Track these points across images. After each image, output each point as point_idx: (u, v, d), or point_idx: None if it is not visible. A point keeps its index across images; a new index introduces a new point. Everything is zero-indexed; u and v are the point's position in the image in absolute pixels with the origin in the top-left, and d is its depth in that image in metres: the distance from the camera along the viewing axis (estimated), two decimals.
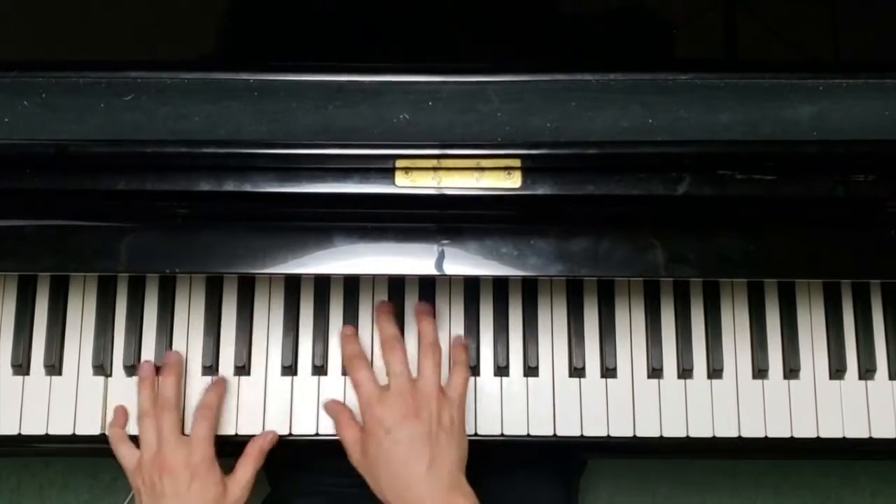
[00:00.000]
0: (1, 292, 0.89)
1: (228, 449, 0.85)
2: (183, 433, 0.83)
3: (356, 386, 0.80)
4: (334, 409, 0.84)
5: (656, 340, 0.88)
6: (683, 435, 0.87)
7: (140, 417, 0.83)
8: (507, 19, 0.79)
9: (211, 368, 0.87)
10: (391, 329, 0.82)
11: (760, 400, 0.87)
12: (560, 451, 0.87)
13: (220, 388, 0.85)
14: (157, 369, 0.86)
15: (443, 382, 0.81)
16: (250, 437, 0.86)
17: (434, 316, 0.85)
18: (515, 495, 0.94)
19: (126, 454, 0.82)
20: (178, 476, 0.78)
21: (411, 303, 0.89)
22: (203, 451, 0.79)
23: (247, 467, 0.82)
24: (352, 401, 0.85)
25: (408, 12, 0.78)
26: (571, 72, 0.76)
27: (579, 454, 1.04)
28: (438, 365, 0.80)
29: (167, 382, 0.83)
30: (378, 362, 0.86)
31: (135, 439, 0.84)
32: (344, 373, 0.87)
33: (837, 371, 0.88)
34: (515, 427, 0.86)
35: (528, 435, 0.86)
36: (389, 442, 0.75)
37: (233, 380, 0.87)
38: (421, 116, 0.74)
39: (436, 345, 0.81)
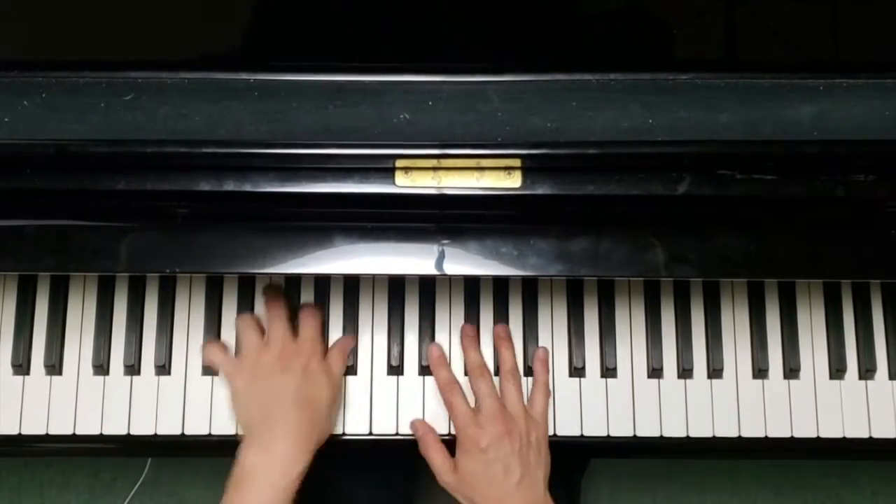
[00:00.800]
0: (1, 292, 0.89)
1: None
2: None
3: (451, 409, 0.84)
4: (422, 429, 0.86)
5: (656, 340, 0.88)
6: (683, 435, 0.87)
7: (271, 320, 0.85)
8: (507, 19, 0.79)
9: (211, 368, 0.87)
10: (478, 357, 0.86)
11: (760, 400, 0.87)
12: (563, 450, 0.87)
13: (308, 308, 0.87)
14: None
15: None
16: None
17: (512, 340, 0.87)
18: None
19: (224, 357, 0.84)
20: (296, 361, 0.82)
21: (411, 303, 0.89)
22: (315, 344, 0.84)
23: (336, 364, 0.85)
24: (351, 401, 0.86)
25: (408, 12, 0.78)
26: (571, 72, 0.76)
27: (577, 453, 1.04)
28: (520, 389, 0.84)
29: (274, 292, 0.87)
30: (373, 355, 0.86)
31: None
32: (344, 373, 0.87)
33: (837, 371, 0.88)
34: None
35: None
36: (485, 460, 0.79)
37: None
38: (421, 116, 0.74)
39: (516, 370, 0.85)
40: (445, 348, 0.88)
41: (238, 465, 0.78)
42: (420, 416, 0.87)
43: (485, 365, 0.86)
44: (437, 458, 0.83)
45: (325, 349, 0.86)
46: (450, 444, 0.84)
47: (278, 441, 0.78)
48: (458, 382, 0.85)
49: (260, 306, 0.89)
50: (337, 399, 0.84)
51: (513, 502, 0.78)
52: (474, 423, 0.81)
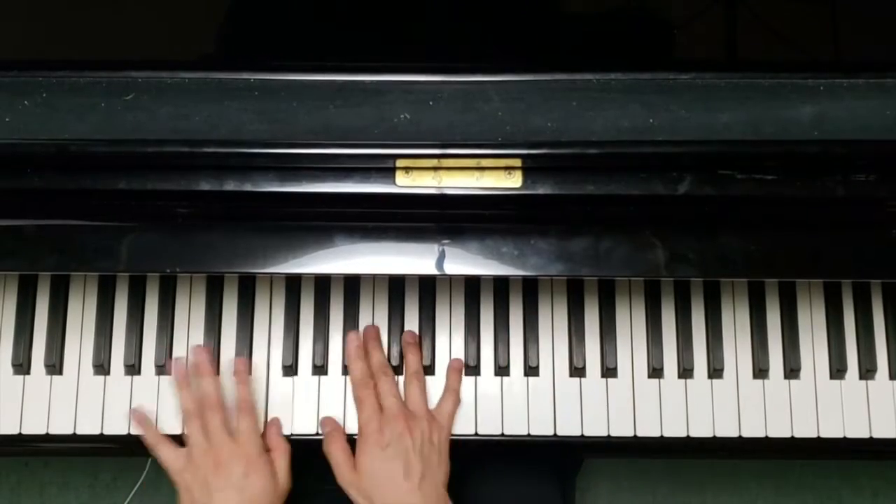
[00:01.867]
0: (1, 292, 0.89)
1: None
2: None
3: (361, 404, 0.84)
4: (330, 424, 0.86)
5: (657, 340, 0.88)
6: (684, 435, 0.87)
7: (187, 418, 0.83)
8: (507, 19, 0.79)
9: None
10: (381, 357, 0.86)
11: (761, 400, 0.87)
12: (557, 449, 0.87)
13: (243, 376, 0.85)
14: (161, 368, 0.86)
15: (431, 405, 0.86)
16: None
17: (420, 345, 0.88)
18: (513, 494, 0.94)
19: (169, 455, 0.82)
20: (234, 469, 0.79)
21: (412, 302, 0.89)
22: (254, 443, 0.81)
23: (280, 458, 0.83)
24: (350, 400, 0.86)
25: (408, 12, 0.78)
26: (572, 71, 0.76)
27: (576, 453, 1.04)
28: (424, 390, 0.85)
29: (205, 382, 0.84)
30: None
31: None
32: (344, 372, 0.87)
33: (838, 371, 0.88)
34: (516, 427, 0.86)
35: (529, 435, 0.86)
36: (384, 457, 0.80)
37: (233, 380, 0.87)
38: (421, 116, 0.74)
39: (420, 373, 0.86)
40: (445, 349, 0.88)
41: None
42: None
43: (387, 365, 0.86)
44: (337, 454, 0.82)
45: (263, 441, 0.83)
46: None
47: None
48: (372, 378, 0.84)
49: (260, 307, 0.89)
50: (283, 489, 0.82)
51: (413, 501, 0.78)
52: (377, 419, 0.81)
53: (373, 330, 0.88)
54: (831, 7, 0.79)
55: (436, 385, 0.87)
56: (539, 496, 0.94)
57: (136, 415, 0.85)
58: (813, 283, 0.90)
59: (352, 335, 0.87)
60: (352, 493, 0.81)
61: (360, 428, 0.83)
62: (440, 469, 0.81)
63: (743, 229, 0.76)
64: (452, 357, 0.88)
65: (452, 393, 0.86)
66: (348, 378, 0.87)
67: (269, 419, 0.86)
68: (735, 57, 0.80)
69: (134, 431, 0.85)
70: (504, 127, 0.74)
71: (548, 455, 0.95)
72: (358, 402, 0.84)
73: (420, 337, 0.88)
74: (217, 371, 0.86)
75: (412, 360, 0.86)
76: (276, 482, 0.81)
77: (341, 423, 0.86)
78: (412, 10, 0.78)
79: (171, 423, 0.86)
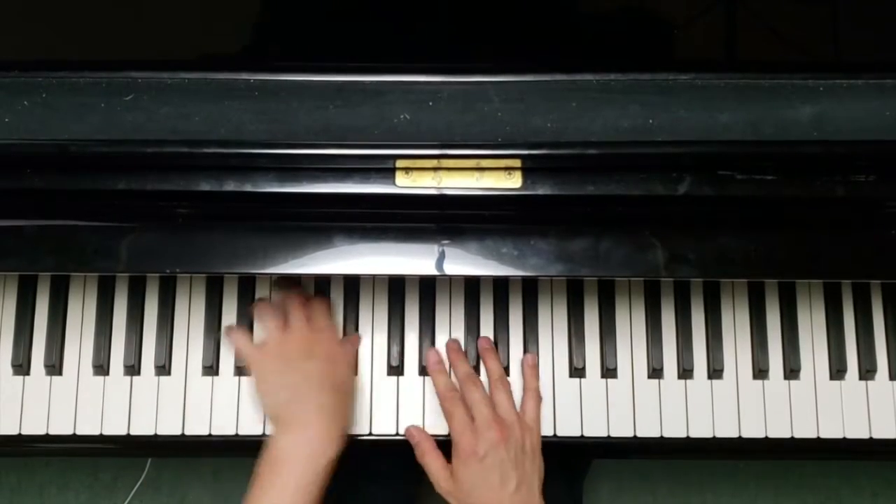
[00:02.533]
0: (1, 292, 0.89)
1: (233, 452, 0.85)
2: None
3: (450, 417, 0.83)
4: (418, 436, 0.85)
5: (657, 340, 0.88)
6: (684, 435, 0.87)
7: (292, 308, 0.85)
8: (507, 19, 0.79)
9: (211, 368, 0.87)
10: (466, 367, 0.86)
11: (761, 400, 0.87)
12: (566, 451, 0.87)
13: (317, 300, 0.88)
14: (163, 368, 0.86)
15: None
16: (250, 436, 0.86)
17: (496, 350, 0.87)
18: None
19: (249, 343, 0.85)
20: (323, 345, 0.83)
21: (412, 303, 0.89)
22: (333, 331, 0.86)
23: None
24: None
25: (408, 12, 0.78)
26: (572, 72, 0.76)
27: (584, 455, 1.04)
28: (511, 396, 0.84)
29: (296, 289, 0.88)
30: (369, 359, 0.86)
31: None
32: (433, 384, 0.87)
33: (838, 371, 0.88)
34: None
35: None
36: (482, 468, 0.79)
37: (234, 380, 0.87)
38: (421, 116, 0.74)
39: (504, 378, 0.86)
40: (444, 350, 0.88)
41: (271, 448, 0.78)
42: (420, 416, 0.87)
43: (474, 374, 0.86)
44: (434, 465, 0.82)
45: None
46: (444, 445, 0.84)
47: (312, 423, 0.78)
48: (457, 390, 0.84)
49: None
50: (353, 389, 0.85)
51: None
52: (471, 430, 0.81)
53: (454, 343, 0.88)
54: (831, 7, 0.79)
55: (430, 384, 0.87)
56: (549, 499, 0.94)
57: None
58: (813, 284, 0.90)
59: (431, 352, 0.87)
60: (451, 500, 0.82)
61: (453, 439, 0.82)
62: (534, 473, 0.81)
63: (743, 230, 0.76)
64: (525, 354, 0.88)
65: (533, 393, 0.85)
66: (442, 410, 0.86)
67: (268, 422, 0.86)
68: (735, 57, 0.80)
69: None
70: (504, 127, 0.74)
71: (556, 457, 0.95)
72: (447, 414, 0.84)
73: (420, 337, 0.88)
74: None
75: (494, 366, 0.86)
76: (352, 371, 0.85)
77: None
78: (412, 10, 0.78)
79: (172, 424, 0.86)
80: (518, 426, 0.82)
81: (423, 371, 0.88)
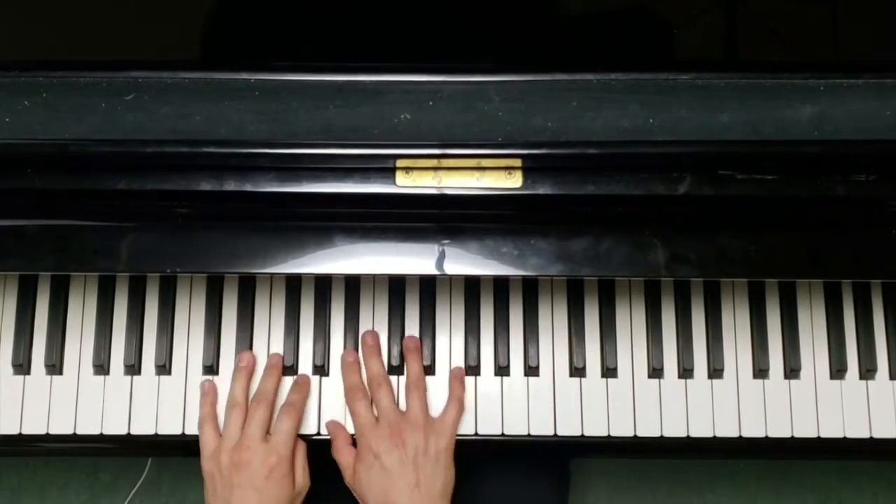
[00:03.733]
0: (2, 292, 0.89)
1: None
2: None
3: (353, 415, 0.85)
4: (333, 430, 0.86)
5: (657, 340, 0.88)
6: (684, 435, 0.87)
7: (230, 407, 0.84)
8: (507, 19, 0.79)
9: (211, 368, 0.87)
10: (378, 367, 0.86)
11: (761, 400, 0.87)
12: (563, 451, 0.87)
13: (304, 387, 0.86)
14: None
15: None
16: None
17: (421, 352, 0.88)
18: (511, 494, 0.94)
19: (209, 437, 0.83)
20: (258, 471, 0.80)
21: (412, 302, 0.89)
22: (284, 450, 0.81)
23: (298, 457, 0.83)
24: None
25: (408, 12, 0.78)
26: (572, 72, 0.76)
27: (583, 454, 1.04)
28: (423, 399, 0.85)
29: (270, 380, 0.85)
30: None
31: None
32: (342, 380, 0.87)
33: (838, 371, 0.88)
34: (516, 427, 0.86)
35: (529, 435, 0.86)
36: (378, 467, 0.80)
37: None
38: (422, 116, 0.74)
39: (420, 381, 0.86)
40: (445, 349, 0.88)
41: None
42: None
43: (385, 375, 0.86)
44: (342, 459, 0.84)
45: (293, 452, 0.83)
46: None
47: None
48: (363, 389, 0.85)
49: (260, 307, 0.89)
50: (301, 487, 0.83)
51: None
52: (370, 429, 0.82)
53: (371, 338, 0.88)
54: (831, 7, 0.79)
55: (436, 385, 0.87)
56: (537, 496, 0.94)
57: (208, 385, 0.86)
58: (813, 283, 0.90)
59: (346, 352, 0.87)
60: (355, 494, 0.83)
61: (357, 437, 0.84)
62: (436, 479, 0.81)
63: (743, 229, 0.76)
64: (454, 364, 0.88)
65: (456, 402, 0.86)
66: (347, 406, 0.87)
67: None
68: (735, 57, 0.80)
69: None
70: (504, 127, 0.74)
71: (544, 455, 0.95)
72: (351, 412, 0.85)
73: (420, 337, 0.88)
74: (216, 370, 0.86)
75: (414, 368, 0.86)
76: (296, 483, 0.82)
77: (343, 422, 0.86)
78: (412, 10, 0.78)
79: (172, 424, 0.86)
80: (423, 430, 0.82)
81: (423, 370, 0.88)
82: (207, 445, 0.83)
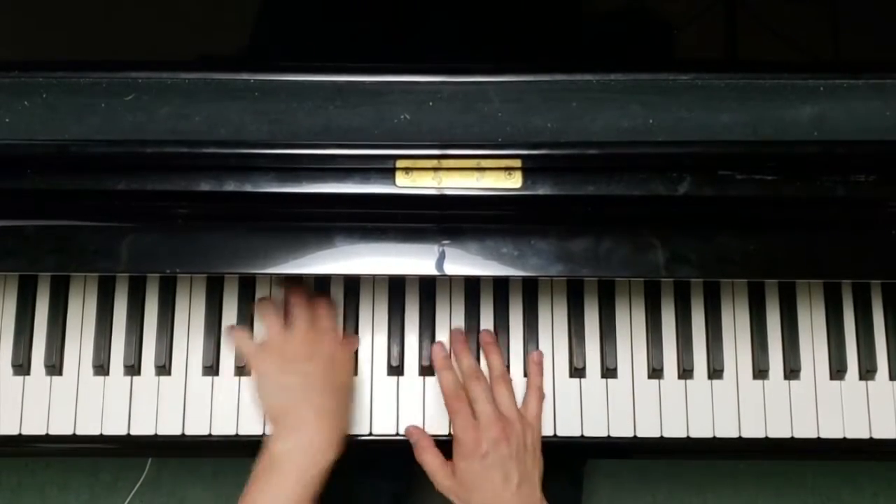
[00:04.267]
0: (1, 292, 0.89)
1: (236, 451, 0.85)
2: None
3: (454, 414, 0.83)
4: (417, 434, 0.86)
5: (657, 341, 0.88)
6: (684, 435, 0.87)
7: (296, 307, 0.85)
8: (507, 19, 0.79)
9: (211, 368, 0.87)
10: (471, 362, 0.86)
11: (761, 400, 0.87)
12: (563, 451, 0.87)
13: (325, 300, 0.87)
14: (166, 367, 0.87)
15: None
16: (250, 436, 0.86)
17: (499, 345, 0.87)
18: None
19: (249, 342, 0.85)
20: (323, 347, 0.83)
21: (412, 303, 0.89)
22: (335, 334, 0.85)
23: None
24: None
25: (408, 13, 0.78)
26: (572, 72, 0.76)
27: (583, 454, 1.04)
28: (512, 392, 0.85)
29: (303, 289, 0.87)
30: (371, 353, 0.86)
31: None
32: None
33: (838, 371, 0.88)
34: None
35: None
36: (484, 465, 0.79)
37: (234, 380, 0.87)
38: (421, 116, 0.74)
39: (506, 374, 0.86)
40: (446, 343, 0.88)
41: (266, 451, 0.77)
42: (420, 416, 0.87)
43: (479, 369, 0.85)
44: (433, 462, 0.83)
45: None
46: (442, 445, 0.84)
47: (311, 426, 0.78)
48: (462, 388, 0.84)
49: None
50: (353, 391, 0.85)
51: None
52: (473, 427, 0.81)
53: (459, 334, 0.87)
54: (831, 7, 0.79)
55: (436, 386, 0.87)
56: (549, 496, 0.95)
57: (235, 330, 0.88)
58: (813, 284, 0.90)
59: (438, 346, 0.87)
60: (451, 497, 0.82)
61: (455, 436, 0.82)
62: (535, 470, 0.81)
63: (743, 230, 0.76)
64: (531, 352, 0.88)
65: (536, 390, 0.86)
66: (355, 378, 0.86)
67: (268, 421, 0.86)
68: (735, 57, 0.80)
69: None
70: (504, 127, 0.74)
71: (556, 456, 0.95)
72: (451, 411, 0.84)
73: (420, 337, 0.88)
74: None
75: (496, 362, 0.86)
76: (352, 372, 0.85)
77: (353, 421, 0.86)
78: (412, 10, 0.78)
79: (172, 424, 0.86)
80: (519, 423, 0.82)
81: (423, 371, 0.88)
82: (252, 345, 0.85)
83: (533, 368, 0.86)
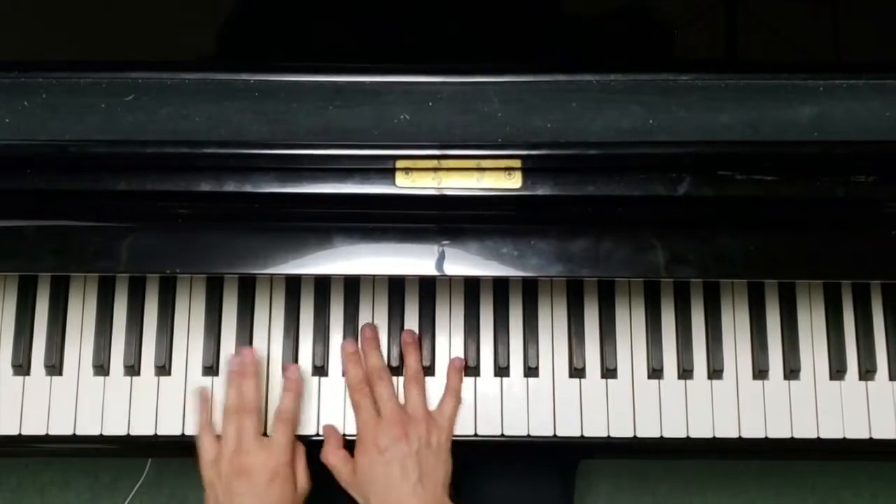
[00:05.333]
0: (2, 292, 0.89)
1: None
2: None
3: (357, 409, 0.84)
4: (328, 433, 0.86)
5: (657, 341, 0.88)
6: (684, 435, 0.87)
7: (226, 414, 0.83)
8: (507, 19, 0.79)
9: (211, 369, 0.87)
10: (378, 360, 0.86)
11: (761, 400, 0.87)
12: (564, 451, 0.87)
13: (295, 389, 0.85)
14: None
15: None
16: None
17: (419, 346, 0.88)
18: (513, 494, 0.94)
19: (207, 446, 0.83)
20: (257, 478, 0.79)
21: (411, 303, 0.89)
22: (283, 455, 0.81)
23: (299, 461, 0.83)
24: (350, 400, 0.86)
25: (408, 13, 0.78)
26: (572, 72, 0.76)
27: (583, 454, 1.04)
28: (423, 393, 0.85)
29: (247, 385, 0.84)
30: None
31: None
32: (343, 373, 0.87)
33: (838, 371, 0.88)
34: (516, 428, 0.86)
35: (529, 435, 0.86)
36: (382, 461, 0.80)
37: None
38: (421, 117, 0.74)
39: (419, 375, 0.86)
40: (445, 350, 0.88)
41: None
42: None
43: (384, 368, 0.86)
44: (334, 461, 0.83)
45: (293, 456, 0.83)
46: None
47: None
48: (367, 384, 0.85)
49: (260, 308, 0.89)
50: (303, 492, 0.82)
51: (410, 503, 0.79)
52: (374, 423, 0.82)
53: (370, 330, 0.88)
54: (831, 7, 0.79)
55: (436, 385, 0.87)
56: (540, 496, 0.94)
57: (203, 392, 0.86)
58: (813, 284, 0.90)
59: (347, 342, 0.87)
60: (352, 493, 0.82)
61: (357, 431, 0.83)
62: (438, 471, 0.81)
63: (743, 230, 0.76)
64: (452, 356, 0.88)
65: (453, 393, 0.86)
66: (350, 399, 0.86)
67: (267, 422, 0.86)
68: (735, 57, 0.80)
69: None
70: (504, 128, 0.74)
71: (547, 455, 0.95)
72: (354, 406, 0.85)
73: (420, 337, 0.88)
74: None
75: (412, 362, 0.86)
76: (297, 486, 0.82)
77: (342, 423, 0.86)
78: (412, 10, 0.78)
79: (172, 424, 0.86)
80: (425, 423, 0.82)
81: (422, 365, 0.88)
82: (207, 453, 0.82)
83: (452, 373, 0.87)
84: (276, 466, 0.80)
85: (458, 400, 0.86)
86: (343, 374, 0.87)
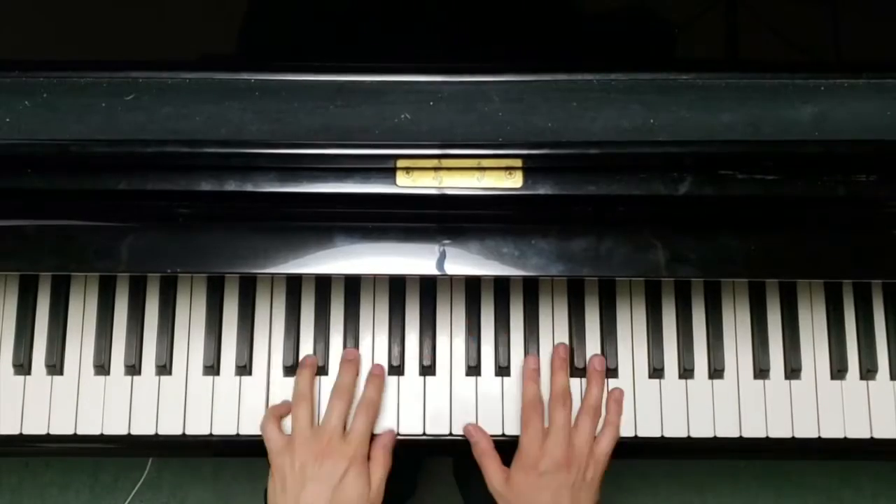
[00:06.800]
0: (2, 292, 0.89)
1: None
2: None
3: (527, 424, 0.83)
4: (476, 434, 0.85)
5: (657, 340, 0.88)
6: (684, 435, 0.87)
7: (299, 400, 0.83)
8: (507, 19, 0.79)
9: (212, 368, 0.87)
10: (565, 382, 0.85)
11: (762, 400, 0.87)
12: None
13: (380, 381, 0.85)
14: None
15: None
16: (250, 435, 0.86)
17: (605, 374, 0.87)
18: None
19: (275, 433, 0.82)
20: (336, 466, 0.79)
21: (412, 303, 0.89)
22: (362, 444, 0.81)
23: (379, 469, 0.82)
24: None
25: (409, 12, 0.78)
26: (572, 72, 0.76)
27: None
28: (595, 426, 0.84)
29: (348, 374, 0.85)
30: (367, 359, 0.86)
31: None
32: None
33: (839, 371, 0.88)
34: (516, 427, 0.86)
35: None
36: (538, 485, 0.79)
37: (234, 379, 0.87)
38: (422, 116, 0.74)
39: (598, 408, 0.85)
40: (445, 350, 0.88)
41: None
42: (420, 416, 0.87)
43: (569, 393, 0.85)
44: (491, 465, 0.83)
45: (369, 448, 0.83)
46: (447, 445, 0.85)
47: None
48: (543, 402, 0.84)
49: (261, 307, 0.89)
50: (375, 499, 0.81)
51: None
52: (539, 443, 0.81)
53: (563, 350, 0.87)
54: (831, 7, 0.79)
55: (437, 386, 0.87)
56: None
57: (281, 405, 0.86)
58: (814, 284, 0.90)
59: (530, 358, 0.86)
60: (499, 500, 0.82)
61: (521, 445, 0.82)
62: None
63: (743, 229, 0.76)
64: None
65: (612, 428, 0.85)
66: (521, 416, 0.85)
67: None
68: (735, 57, 0.80)
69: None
70: (504, 127, 0.74)
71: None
72: (525, 419, 0.83)
73: (420, 337, 0.88)
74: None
75: (594, 393, 0.85)
76: (370, 491, 0.80)
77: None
78: (412, 10, 0.78)
79: (172, 424, 0.86)
80: (586, 457, 0.81)
81: (423, 371, 0.88)
82: (276, 440, 0.82)
83: (612, 406, 0.85)
84: (354, 457, 0.80)
85: (617, 435, 0.85)
86: (523, 390, 0.86)
